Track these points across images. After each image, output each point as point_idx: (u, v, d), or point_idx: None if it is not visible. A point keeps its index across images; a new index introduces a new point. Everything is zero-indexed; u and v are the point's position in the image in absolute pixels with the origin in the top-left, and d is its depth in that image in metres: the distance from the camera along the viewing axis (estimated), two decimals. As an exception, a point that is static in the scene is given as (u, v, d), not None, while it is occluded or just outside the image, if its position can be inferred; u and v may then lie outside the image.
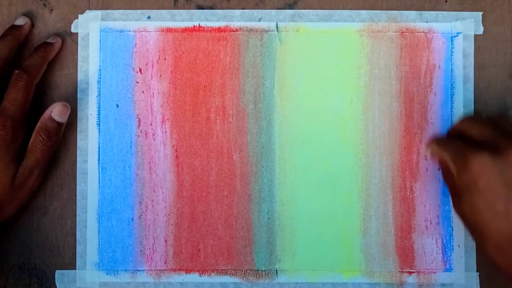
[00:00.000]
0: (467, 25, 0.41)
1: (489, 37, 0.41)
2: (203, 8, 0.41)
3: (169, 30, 0.41)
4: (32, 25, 0.41)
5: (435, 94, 0.41)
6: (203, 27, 0.41)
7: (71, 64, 0.41)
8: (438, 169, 0.40)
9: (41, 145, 0.38)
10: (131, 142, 0.41)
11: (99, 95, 0.41)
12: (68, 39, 0.41)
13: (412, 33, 0.41)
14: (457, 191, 0.35)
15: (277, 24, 0.41)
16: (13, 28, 0.40)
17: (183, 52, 0.41)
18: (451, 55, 0.41)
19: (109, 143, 0.41)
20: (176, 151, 0.41)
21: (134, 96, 0.41)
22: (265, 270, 0.40)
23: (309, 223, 0.40)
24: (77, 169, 0.41)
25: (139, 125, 0.41)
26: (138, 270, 0.40)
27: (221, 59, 0.41)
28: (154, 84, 0.41)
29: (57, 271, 0.40)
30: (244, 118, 0.41)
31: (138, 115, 0.41)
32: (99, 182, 0.41)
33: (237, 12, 0.41)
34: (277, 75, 0.41)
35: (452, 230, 0.40)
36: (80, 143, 0.41)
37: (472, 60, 0.41)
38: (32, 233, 0.41)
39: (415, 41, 0.41)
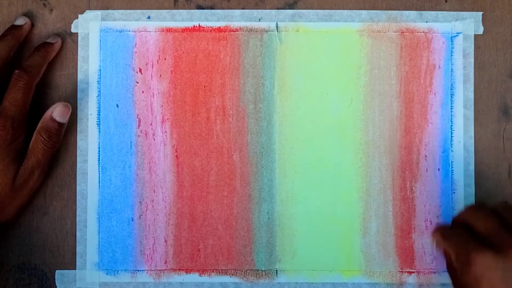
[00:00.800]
0: (467, 25, 0.41)
1: (489, 37, 0.41)
2: (203, 8, 0.41)
3: (169, 30, 0.41)
4: (32, 25, 0.41)
5: (435, 94, 0.41)
6: (203, 27, 0.41)
7: (71, 64, 0.41)
8: (438, 170, 0.40)
9: (42, 145, 0.38)
10: (131, 142, 0.41)
11: (99, 95, 0.41)
12: (68, 39, 0.41)
13: (412, 33, 0.41)
14: (460, 285, 0.35)
15: (277, 24, 0.41)
16: (13, 28, 0.40)
17: (183, 52, 0.41)
18: (451, 55, 0.41)
19: (109, 143, 0.41)
20: (176, 151, 0.41)
21: (134, 96, 0.41)
22: (265, 270, 0.40)
23: (309, 223, 0.40)
24: (77, 169, 0.41)
25: (139, 125, 0.41)
26: (138, 270, 0.40)
27: (221, 59, 0.41)
28: (154, 84, 0.41)
29: (57, 271, 0.40)
30: (244, 118, 0.41)
31: (138, 115, 0.41)
32: (99, 182, 0.41)
33: (237, 12, 0.41)
34: (277, 75, 0.41)
35: (452, 230, 0.40)
36: (80, 143, 0.41)
37: (472, 60, 0.41)
38: (32, 233, 0.41)
39: (415, 41, 0.41)
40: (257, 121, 0.41)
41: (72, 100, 0.41)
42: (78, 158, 0.41)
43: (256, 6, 0.41)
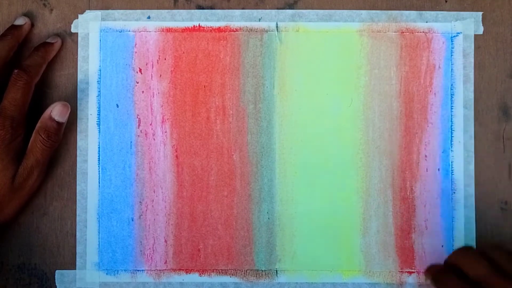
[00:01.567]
0: (467, 25, 0.41)
1: (489, 37, 0.41)
2: (203, 8, 0.41)
3: (169, 30, 0.41)
4: (32, 25, 0.41)
5: (435, 94, 0.41)
6: (203, 27, 0.41)
7: (71, 64, 0.41)
8: (438, 170, 0.40)
9: (41, 145, 0.38)
10: (131, 142, 0.41)
11: (99, 95, 0.41)
12: (68, 39, 0.41)
13: (412, 33, 0.41)
14: None
15: (277, 24, 0.41)
16: (13, 28, 0.40)
17: (183, 52, 0.41)
18: (451, 55, 0.41)
19: (109, 143, 0.41)
20: (176, 151, 0.41)
21: (134, 96, 0.41)
22: (265, 270, 0.40)
23: (309, 223, 0.40)
24: (77, 169, 0.41)
25: (139, 125, 0.41)
26: (138, 270, 0.40)
27: (221, 59, 0.41)
28: (154, 84, 0.41)
29: (57, 271, 0.40)
30: (244, 118, 0.41)
31: (138, 115, 0.41)
32: (99, 182, 0.41)
33: (237, 12, 0.41)
34: (277, 75, 0.41)
35: (452, 230, 0.40)
36: (80, 143, 0.41)
37: (472, 60, 0.41)
38: (32, 233, 0.41)
39: (415, 41, 0.41)
40: (257, 121, 0.41)
41: (72, 100, 0.41)
42: (78, 158, 0.41)
43: (256, 6, 0.41)
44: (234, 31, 0.41)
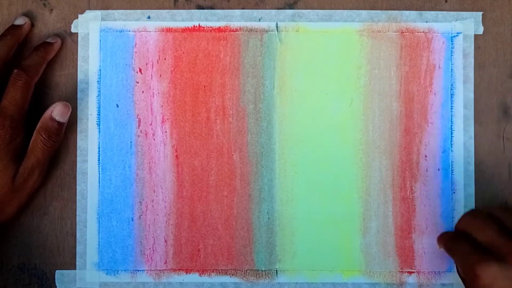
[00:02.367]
0: (467, 25, 0.41)
1: (489, 37, 0.41)
2: (203, 8, 0.41)
3: (169, 30, 0.41)
4: (32, 25, 0.41)
5: (435, 94, 0.41)
6: (203, 27, 0.41)
7: (71, 64, 0.41)
8: (438, 170, 0.40)
9: (41, 145, 0.38)
10: (131, 142, 0.41)
11: (99, 95, 0.41)
12: (68, 39, 0.41)
13: (412, 33, 0.41)
14: None
15: (277, 24, 0.41)
16: (13, 28, 0.40)
17: (183, 52, 0.41)
18: (451, 55, 0.41)
19: (109, 143, 0.41)
20: (176, 151, 0.41)
21: (134, 96, 0.41)
22: (265, 270, 0.40)
23: (309, 223, 0.40)
24: (77, 169, 0.41)
25: (139, 125, 0.41)
26: (138, 270, 0.40)
27: (221, 59, 0.41)
28: (154, 84, 0.41)
29: (57, 271, 0.40)
30: (244, 118, 0.41)
31: (138, 115, 0.41)
32: (99, 182, 0.41)
33: (237, 12, 0.41)
34: (277, 75, 0.41)
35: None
36: (80, 143, 0.41)
37: (472, 60, 0.41)
38: (32, 233, 0.41)
39: (415, 41, 0.41)
40: (257, 121, 0.41)
41: (72, 100, 0.41)
42: (78, 158, 0.41)
43: (256, 6, 0.41)
44: (234, 31, 0.41)
